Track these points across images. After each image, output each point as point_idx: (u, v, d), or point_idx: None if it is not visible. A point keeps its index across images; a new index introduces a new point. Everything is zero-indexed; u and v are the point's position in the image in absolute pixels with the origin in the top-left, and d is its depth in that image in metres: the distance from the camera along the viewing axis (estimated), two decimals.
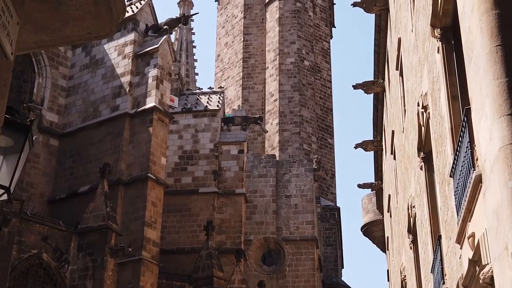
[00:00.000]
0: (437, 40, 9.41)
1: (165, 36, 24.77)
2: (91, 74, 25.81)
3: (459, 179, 7.80)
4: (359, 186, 28.59)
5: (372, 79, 23.18)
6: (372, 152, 27.23)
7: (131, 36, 25.31)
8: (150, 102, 23.78)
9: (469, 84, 7.14)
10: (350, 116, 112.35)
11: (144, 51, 24.90)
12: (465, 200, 7.37)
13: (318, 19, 49.10)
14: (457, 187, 7.96)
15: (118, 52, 25.35)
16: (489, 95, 6.16)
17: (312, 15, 48.10)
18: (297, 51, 45.56)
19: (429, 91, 10.56)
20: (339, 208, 42.06)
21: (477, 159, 6.89)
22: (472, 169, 6.95)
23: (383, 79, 22.28)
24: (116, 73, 25.03)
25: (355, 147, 25.74)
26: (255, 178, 34.24)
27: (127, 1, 26.87)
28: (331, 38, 50.46)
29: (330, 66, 48.76)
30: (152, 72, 24.24)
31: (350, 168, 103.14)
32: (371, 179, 31.31)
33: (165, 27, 25.23)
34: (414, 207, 13.95)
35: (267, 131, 41.44)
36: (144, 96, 24.15)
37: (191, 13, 43.04)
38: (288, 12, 46.71)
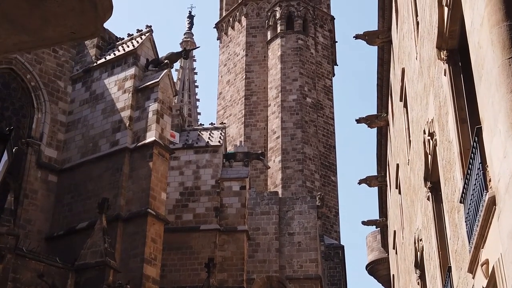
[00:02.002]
0: (443, 63, 9.17)
1: (165, 70, 24.61)
2: (91, 109, 25.61)
3: (470, 204, 7.48)
4: (364, 223, 28.21)
5: (376, 113, 23.01)
6: (376, 188, 26.97)
7: (132, 71, 25.15)
8: (150, 137, 23.51)
9: (480, 102, 6.87)
10: (353, 153, 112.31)
11: (144, 85, 24.72)
12: (477, 226, 7.06)
13: (320, 56, 49.15)
14: (468, 213, 7.65)
15: (118, 86, 25.18)
16: (502, 110, 5.87)
17: (314, 53, 48.16)
18: (299, 88, 45.49)
19: (435, 117, 10.29)
20: (343, 247, 41.52)
21: (489, 180, 6.59)
22: (485, 191, 6.65)
23: (387, 113, 22.14)
24: (116, 108, 24.82)
25: (359, 183, 25.51)
26: (257, 215, 33.84)
27: (128, 36, 26.83)
28: (333, 76, 50.49)
29: (333, 104, 48.66)
30: (153, 106, 24.03)
31: (354, 204, 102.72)
32: (375, 215, 30.94)
33: (166, 61, 25.08)
34: (421, 240, 13.59)
35: (269, 167, 41.10)
36: (144, 131, 23.90)
37: (192, 48, 42.97)
38: (290, 49, 46.78)
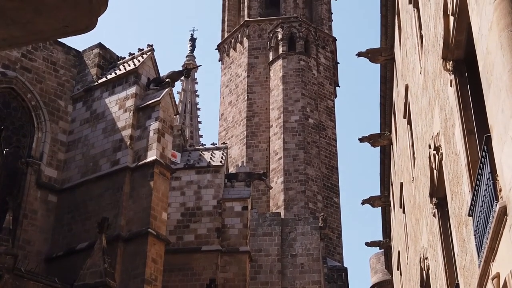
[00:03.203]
0: (449, 73, 9.03)
1: (167, 89, 24.46)
2: (92, 128, 25.44)
3: (479, 216, 7.28)
4: (367, 244, 27.94)
5: (379, 132, 22.89)
6: (379, 209, 26.79)
7: (133, 90, 25.02)
8: (151, 156, 23.30)
9: (489, 110, 6.70)
10: (356, 173, 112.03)
11: (145, 104, 24.57)
12: (487, 238, 6.87)
13: (322, 77, 49.10)
14: (477, 226, 7.45)
15: (119, 105, 25.04)
16: None
17: (316, 74, 48.12)
18: (301, 109, 45.37)
19: (441, 131, 10.14)
20: (346, 269, 41.09)
21: (500, 190, 6.40)
22: (495, 201, 6.45)
23: (390, 131, 22.03)
24: (117, 127, 24.65)
25: (362, 203, 25.33)
26: (259, 236, 33.52)
27: (129, 55, 26.75)
28: (335, 97, 50.42)
29: (335, 125, 48.50)
30: (154, 125, 23.85)
31: (357, 225, 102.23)
32: (379, 237, 30.65)
33: (167, 80, 24.95)
34: (426, 258, 13.40)
35: (272, 187, 40.83)
36: (145, 150, 23.70)
37: (194, 66, 42.92)
38: (292, 70, 46.74)
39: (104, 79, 26.29)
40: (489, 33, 6.47)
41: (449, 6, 8.39)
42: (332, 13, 53.64)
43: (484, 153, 6.84)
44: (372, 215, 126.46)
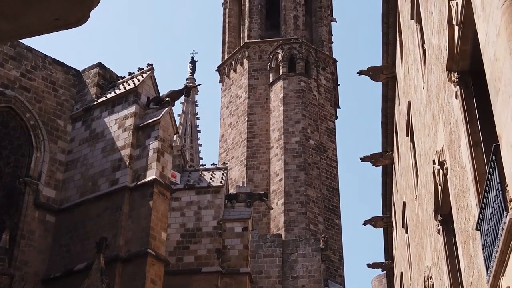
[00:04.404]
0: (454, 85, 8.88)
1: (166, 108, 24.30)
2: (91, 148, 25.24)
3: (487, 229, 7.08)
4: (369, 266, 27.68)
5: (380, 151, 22.78)
6: (381, 230, 26.60)
7: (132, 109, 24.86)
8: (151, 175, 23.07)
9: (497, 119, 6.52)
10: (357, 194, 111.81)
11: (145, 123, 24.39)
12: (496, 251, 6.67)
13: (323, 99, 49.02)
14: (485, 239, 7.24)
15: (118, 125, 24.87)
16: None
17: (316, 95, 48.05)
18: (302, 130, 45.22)
19: (445, 145, 9.99)
20: None
21: (510, 201, 6.20)
22: (505, 212, 6.25)
23: (392, 150, 21.93)
24: (116, 146, 24.45)
25: (364, 224, 25.17)
26: (260, 258, 33.25)
27: (128, 75, 26.64)
28: (335, 119, 50.28)
29: (336, 146, 48.30)
30: (153, 145, 23.65)
31: (359, 247, 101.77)
32: (381, 258, 30.37)
33: (167, 99, 24.82)
34: (431, 278, 13.19)
35: (272, 208, 40.56)
36: (144, 169, 23.48)
37: (194, 85, 42.85)
38: (293, 91, 46.66)
39: (103, 98, 26.16)
40: (497, 38, 6.31)
41: (454, 16, 8.27)
42: (332, 35, 53.74)
43: (492, 163, 6.65)
44: (374, 237, 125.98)
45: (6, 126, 24.91)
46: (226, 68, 52.09)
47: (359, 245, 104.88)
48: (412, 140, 15.53)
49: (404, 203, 18.87)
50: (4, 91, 24.78)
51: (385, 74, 19.43)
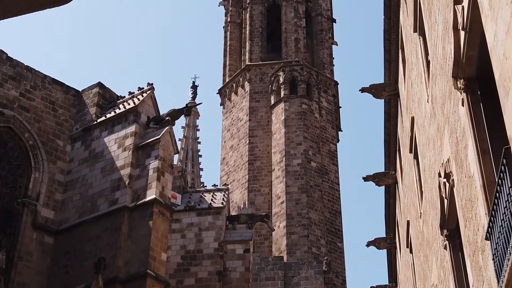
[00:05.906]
0: (461, 92, 8.67)
1: (167, 127, 24.07)
2: (90, 168, 24.96)
3: (498, 237, 6.81)
4: None
5: (383, 171, 22.59)
6: (384, 252, 26.32)
7: (132, 128, 24.62)
8: (151, 195, 22.76)
9: (508, 120, 6.32)
10: (360, 216, 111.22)
11: (145, 142, 24.13)
12: (508, 259, 6.41)
13: (324, 121, 48.85)
14: (496, 249, 6.95)
15: (118, 144, 24.62)
16: None
17: (318, 117, 47.90)
18: (303, 153, 44.98)
19: (452, 156, 9.77)
20: None
21: None
22: None
23: (395, 170, 21.74)
24: (116, 166, 24.18)
25: (367, 245, 24.88)
26: (262, 281, 32.80)
27: (129, 94, 26.47)
28: (337, 142, 50.06)
29: (338, 169, 48.02)
30: (153, 164, 23.37)
31: (362, 269, 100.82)
32: (384, 281, 30.00)
33: (167, 118, 24.61)
34: None
35: (274, 229, 40.17)
36: (144, 189, 23.18)
37: (194, 104, 42.69)
38: (294, 114, 46.51)
39: (103, 118, 25.94)
40: (506, 36, 6.11)
41: (460, 20, 8.09)
42: (333, 58, 53.76)
43: (503, 167, 6.39)
44: (377, 259, 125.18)
45: (4, 146, 24.67)
46: (227, 90, 52.01)
47: (362, 268, 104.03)
48: (416, 156, 15.36)
49: (408, 222, 18.64)
50: (3, 111, 24.57)
51: (387, 92, 19.27)
